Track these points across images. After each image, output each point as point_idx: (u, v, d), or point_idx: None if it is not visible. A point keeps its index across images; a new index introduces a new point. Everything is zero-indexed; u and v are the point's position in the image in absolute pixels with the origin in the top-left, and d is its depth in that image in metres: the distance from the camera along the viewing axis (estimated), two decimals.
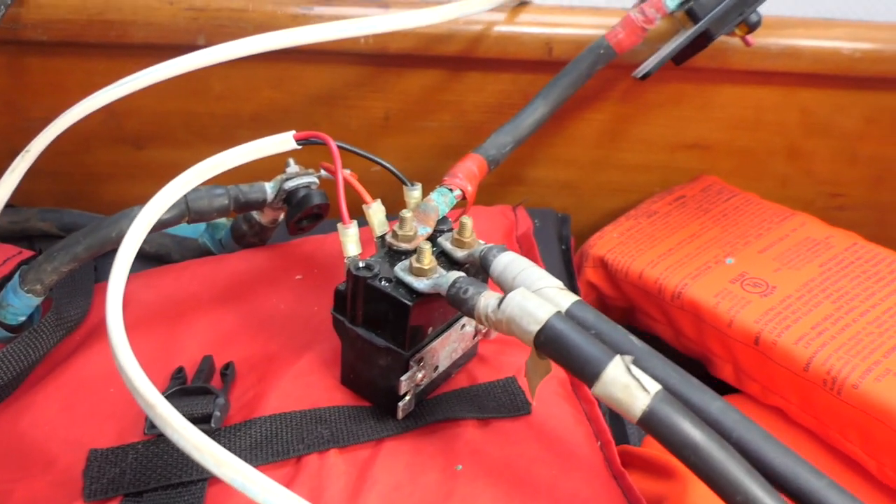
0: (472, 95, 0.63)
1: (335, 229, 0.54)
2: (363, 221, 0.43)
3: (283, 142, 0.43)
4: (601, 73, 0.57)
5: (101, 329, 0.49)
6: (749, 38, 0.54)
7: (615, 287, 0.57)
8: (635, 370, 0.31)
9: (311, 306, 0.50)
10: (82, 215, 0.63)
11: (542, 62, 0.60)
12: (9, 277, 0.51)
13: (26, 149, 0.43)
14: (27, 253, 0.54)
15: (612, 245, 0.58)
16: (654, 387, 0.31)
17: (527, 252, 0.57)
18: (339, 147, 0.43)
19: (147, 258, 0.59)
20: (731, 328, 0.49)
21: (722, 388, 0.51)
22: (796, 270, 0.52)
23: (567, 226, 0.64)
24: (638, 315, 0.57)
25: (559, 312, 0.33)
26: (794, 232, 0.56)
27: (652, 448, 0.47)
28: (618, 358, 0.31)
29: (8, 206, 0.66)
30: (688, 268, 0.53)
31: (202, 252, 0.59)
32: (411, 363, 0.40)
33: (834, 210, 0.68)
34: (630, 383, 0.31)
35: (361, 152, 0.44)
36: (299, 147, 0.44)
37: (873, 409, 0.42)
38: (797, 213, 0.58)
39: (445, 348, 0.43)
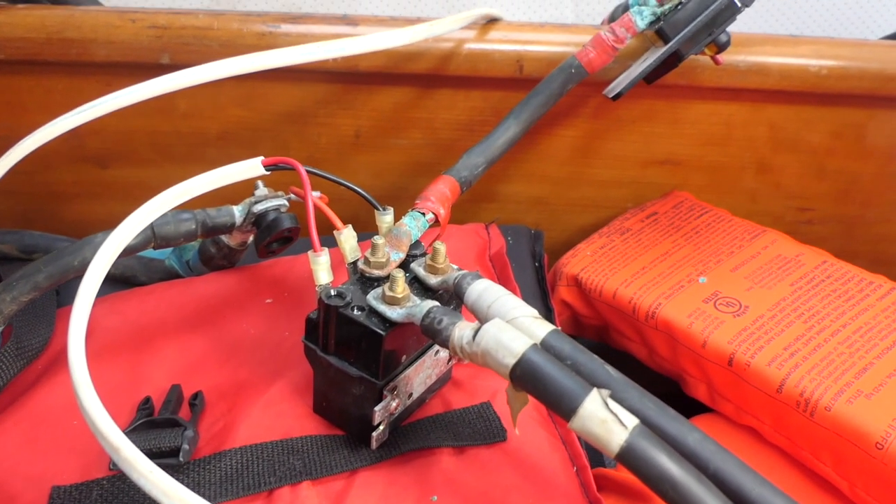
0: (442, 113, 0.62)
1: (305, 249, 0.53)
2: (333, 241, 0.42)
3: (252, 168, 0.42)
4: (573, 90, 0.57)
5: (63, 358, 0.47)
6: (718, 56, 0.54)
7: (589, 306, 0.57)
8: (612, 404, 0.31)
9: (282, 331, 0.49)
10: (44, 237, 0.61)
11: (512, 79, 0.59)
12: None
13: None
14: None
15: (585, 263, 0.57)
16: (632, 421, 0.30)
17: (500, 271, 0.56)
18: (308, 172, 0.42)
19: (112, 280, 0.58)
20: (705, 349, 0.49)
21: (696, 408, 0.51)
22: (768, 289, 0.52)
23: (540, 242, 0.64)
24: (612, 334, 0.57)
25: (535, 345, 0.33)
26: (766, 250, 0.56)
27: (627, 472, 0.47)
28: (595, 392, 0.31)
29: None
30: (661, 287, 0.53)
31: (169, 274, 0.58)
32: (385, 392, 0.39)
33: (803, 224, 0.69)
34: (607, 418, 0.30)
35: (332, 177, 0.43)
36: (268, 173, 0.43)
37: (845, 432, 0.42)
38: (768, 230, 0.58)
39: (419, 375, 0.42)
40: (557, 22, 0.63)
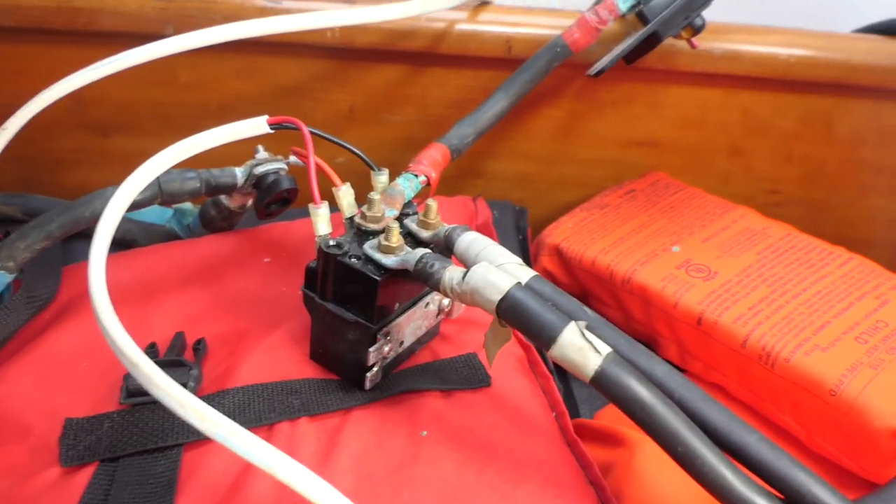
0: (434, 90, 0.65)
1: (302, 216, 0.56)
2: (333, 209, 0.45)
3: (257, 125, 0.45)
4: (557, 72, 0.60)
5: (70, 308, 0.50)
6: (694, 40, 0.58)
7: (569, 273, 0.60)
8: (588, 334, 0.34)
9: (280, 287, 0.52)
10: (47, 200, 0.63)
11: (501, 59, 0.63)
12: None
13: (3, 126, 0.44)
14: None
15: (566, 234, 0.61)
16: (605, 349, 0.34)
17: None
18: (310, 132, 0.45)
19: (113, 244, 0.60)
20: (677, 309, 0.52)
21: None
22: (736, 258, 0.56)
23: (524, 218, 0.67)
24: (590, 300, 0.60)
25: (519, 283, 0.36)
26: (735, 223, 0.60)
27: (603, 420, 0.50)
28: (573, 323, 0.34)
29: None
30: (637, 255, 0.57)
31: (169, 237, 0.60)
32: (379, 336, 0.42)
33: (772, 206, 0.72)
34: (584, 346, 0.33)
35: (332, 138, 0.46)
36: (272, 131, 0.45)
37: (802, 381, 0.46)
38: (738, 206, 0.62)
39: (410, 324, 0.45)
40: (545, 7, 0.66)
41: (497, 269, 0.37)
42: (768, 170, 0.71)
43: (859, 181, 0.71)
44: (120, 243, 0.60)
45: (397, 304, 0.43)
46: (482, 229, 0.61)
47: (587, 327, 0.35)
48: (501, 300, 0.35)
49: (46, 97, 0.44)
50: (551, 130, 0.68)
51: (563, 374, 0.54)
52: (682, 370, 0.54)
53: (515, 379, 0.47)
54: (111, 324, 0.33)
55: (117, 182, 0.69)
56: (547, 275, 0.62)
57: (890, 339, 0.47)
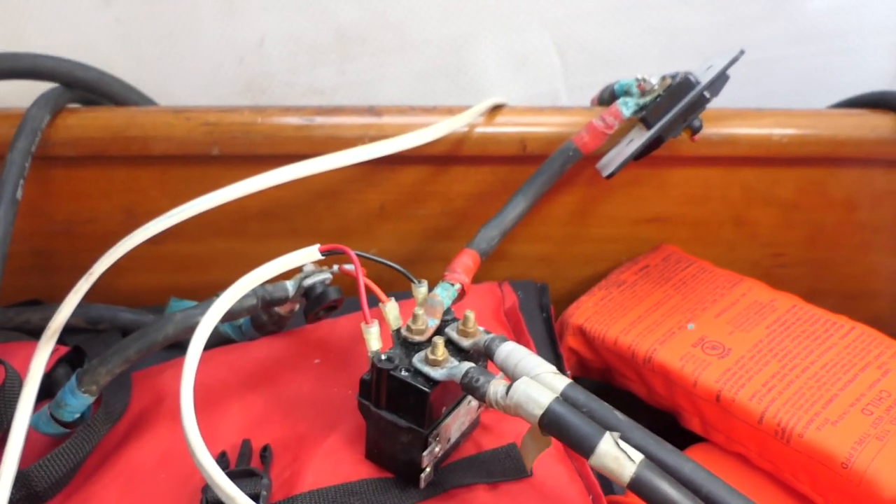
0: (456, 186, 0.71)
1: (343, 313, 0.61)
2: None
3: (310, 254, 0.50)
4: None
5: (143, 419, 0.54)
6: (694, 137, 0.63)
7: (593, 351, 0.65)
8: (622, 444, 0.39)
9: (331, 388, 0.56)
10: (107, 308, 0.68)
11: (517, 157, 0.68)
12: (49, 374, 0.57)
13: (90, 271, 0.49)
14: (62, 349, 0.60)
15: (588, 314, 0.66)
16: (638, 456, 0.38)
17: (514, 325, 0.64)
18: (357, 255, 0.50)
19: (171, 347, 0.65)
20: (696, 388, 0.57)
21: (692, 437, 0.59)
22: (747, 332, 0.60)
23: (546, 294, 0.72)
24: (615, 375, 0.65)
25: (558, 398, 0.41)
26: (744, 297, 0.64)
27: (635, 499, 0.54)
28: (607, 434, 0.39)
29: (36, 302, 0.72)
30: (656, 334, 0.61)
31: (221, 339, 0.65)
32: (430, 439, 0.47)
33: (777, 268, 0.77)
34: (619, 455, 0.38)
35: (379, 259, 0.51)
36: (324, 257, 0.51)
37: (816, 454, 0.50)
38: (745, 278, 0.67)
39: (456, 422, 0.50)
40: (551, 101, 0.72)
41: (536, 383, 0.42)
42: (772, 235, 0.76)
43: (858, 240, 0.76)
44: (176, 345, 0.65)
45: (444, 408, 0.48)
46: (509, 314, 0.66)
47: (620, 436, 0.39)
48: (543, 414, 0.40)
49: (129, 243, 0.49)
50: (567, 214, 0.73)
51: None
52: (705, 440, 0.59)
53: (554, 467, 0.51)
54: (210, 466, 0.38)
55: (166, 283, 0.75)
56: (573, 353, 0.66)
57: (893, 409, 0.52)
